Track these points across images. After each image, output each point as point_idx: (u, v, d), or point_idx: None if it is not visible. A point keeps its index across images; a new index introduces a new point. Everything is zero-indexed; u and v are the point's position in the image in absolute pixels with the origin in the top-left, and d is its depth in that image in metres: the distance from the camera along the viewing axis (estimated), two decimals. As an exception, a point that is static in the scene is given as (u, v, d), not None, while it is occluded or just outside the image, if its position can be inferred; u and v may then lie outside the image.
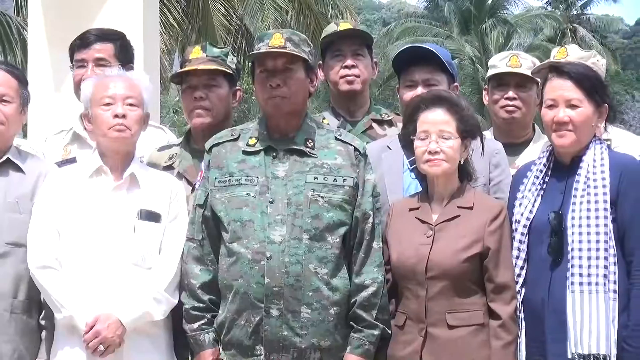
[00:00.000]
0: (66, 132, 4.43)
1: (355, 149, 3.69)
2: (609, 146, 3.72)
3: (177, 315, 3.78)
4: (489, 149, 3.93)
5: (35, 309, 3.76)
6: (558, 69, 3.64)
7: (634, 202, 3.44)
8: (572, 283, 3.36)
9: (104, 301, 3.58)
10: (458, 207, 3.55)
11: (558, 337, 3.42)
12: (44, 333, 3.79)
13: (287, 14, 15.38)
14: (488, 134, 4.38)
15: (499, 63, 4.45)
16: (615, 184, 3.43)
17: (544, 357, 3.50)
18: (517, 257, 3.55)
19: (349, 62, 4.49)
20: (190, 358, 3.80)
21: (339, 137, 3.72)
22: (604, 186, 3.42)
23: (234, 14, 15.36)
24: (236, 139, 3.74)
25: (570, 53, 4.33)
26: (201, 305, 3.62)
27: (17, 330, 3.76)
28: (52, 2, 6.46)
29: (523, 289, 3.54)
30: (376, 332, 3.56)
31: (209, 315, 3.64)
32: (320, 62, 4.55)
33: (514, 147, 4.33)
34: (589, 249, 3.38)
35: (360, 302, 3.55)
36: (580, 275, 3.37)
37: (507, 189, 3.82)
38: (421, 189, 3.75)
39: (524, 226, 3.56)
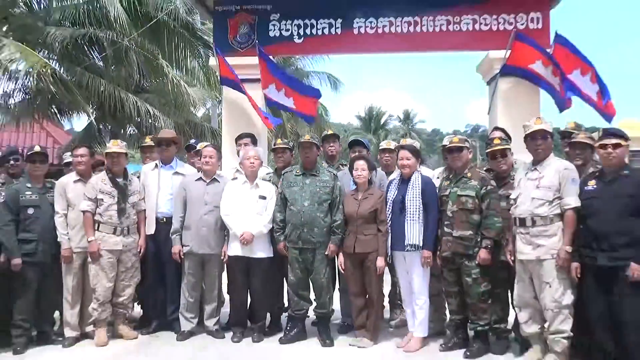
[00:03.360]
0: (235, 170, 7.46)
1: (334, 174, 6.62)
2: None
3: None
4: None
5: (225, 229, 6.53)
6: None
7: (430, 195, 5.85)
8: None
9: (247, 226, 6.58)
10: (367, 194, 6.43)
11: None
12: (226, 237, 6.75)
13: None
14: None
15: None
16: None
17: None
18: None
19: (334, 145, 7.61)
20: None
21: (328, 170, 6.58)
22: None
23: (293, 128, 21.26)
24: (292, 171, 6.67)
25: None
26: (278, 226, 6.66)
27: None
28: (232, 122, 10.35)
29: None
30: (341, 235, 6.53)
31: (281, 230, 6.67)
32: (321, 142, 7.40)
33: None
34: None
35: (335, 226, 6.45)
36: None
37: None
38: (355, 187, 6.59)
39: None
